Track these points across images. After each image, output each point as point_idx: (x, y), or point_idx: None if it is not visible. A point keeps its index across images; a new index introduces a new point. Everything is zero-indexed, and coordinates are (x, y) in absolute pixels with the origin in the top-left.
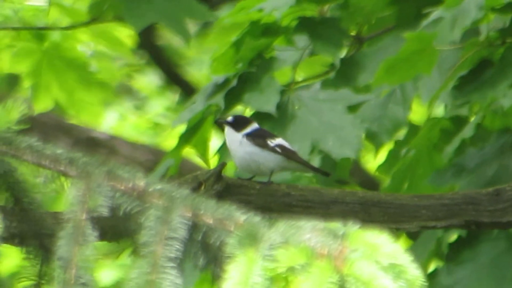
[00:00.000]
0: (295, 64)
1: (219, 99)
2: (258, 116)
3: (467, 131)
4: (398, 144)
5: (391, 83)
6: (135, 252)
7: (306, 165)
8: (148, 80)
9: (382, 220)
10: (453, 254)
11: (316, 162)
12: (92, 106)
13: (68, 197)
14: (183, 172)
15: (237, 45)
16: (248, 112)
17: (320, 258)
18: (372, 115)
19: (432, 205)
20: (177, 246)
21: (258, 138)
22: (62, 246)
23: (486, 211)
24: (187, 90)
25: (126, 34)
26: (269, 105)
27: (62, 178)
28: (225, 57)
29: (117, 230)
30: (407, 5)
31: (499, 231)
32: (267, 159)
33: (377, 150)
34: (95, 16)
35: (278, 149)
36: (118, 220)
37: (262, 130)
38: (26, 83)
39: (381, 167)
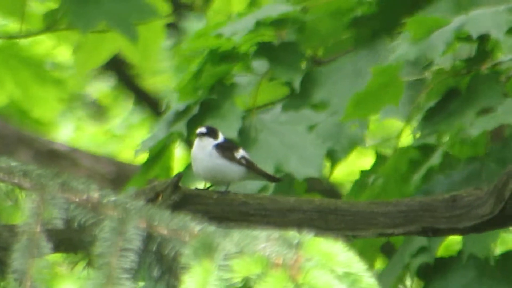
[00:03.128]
0: (255, 90)
1: (181, 127)
2: None
3: (435, 159)
4: (364, 174)
5: (360, 117)
6: (90, 264)
7: (263, 174)
8: (101, 87)
9: (339, 228)
10: (422, 283)
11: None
12: (47, 102)
13: (22, 209)
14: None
15: (197, 75)
16: None
17: (275, 268)
18: (329, 132)
19: (389, 212)
20: (132, 257)
21: (226, 150)
22: (17, 258)
23: (443, 217)
24: (141, 97)
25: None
26: (231, 131)
27: (17, 191)
28: (187, 87)
29: (72, 242)
30: (364, 28)
31: (468, 258)
32: (234, 170)
33: (332, 167)
34: (50, 25)
35: (243, 161)
36: (73, 232)
37: (228, 142)
38: None
39: (347, 197)
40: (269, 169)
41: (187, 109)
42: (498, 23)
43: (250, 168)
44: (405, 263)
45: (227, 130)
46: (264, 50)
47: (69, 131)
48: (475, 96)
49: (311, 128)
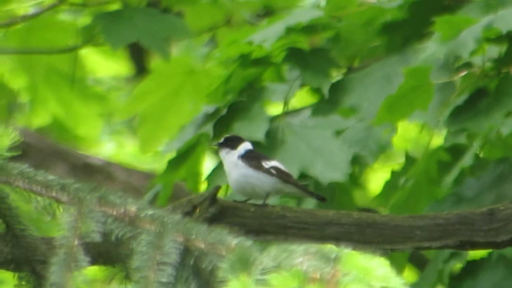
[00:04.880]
0: (286, 97)
1: (208, 128)
2: None
3: (466, 160)
4: (395, 175)
5: (391, 122)
6: (128, 278)
7: (302, 189)
8: None
9: (377, 241)
10: (454, 284)
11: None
12: (90, 118)
13: (60, 223)
14: (178, 195)
15: (228, 79)
16: None
17: (313, 282)
18: (357, 137)
19: (427, 225)
20: (169, 271)
21: (252, 160)
22: (54, 272)
23: (481, 230)
24: None
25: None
26: (258, 134)
27: (54, 204)
28: (217, 91)
29: (109, 255)
30: (395, 35)
31: (497, 258)
32: (262, 181)
33: (361, 172)
34: (87, 40)
35: (273, 171)
36: (111, 246)
37: (256, 152)
38: (24, 98)
39: (378, 198)
40: (294, 173)
41: (216, 111)
42: None
43: (284, 180)
44: (439, 269)
45: (254, 132)
46: (295, 55)
47: (110, 148)
48: (504, 98)
49: (338, 133)
